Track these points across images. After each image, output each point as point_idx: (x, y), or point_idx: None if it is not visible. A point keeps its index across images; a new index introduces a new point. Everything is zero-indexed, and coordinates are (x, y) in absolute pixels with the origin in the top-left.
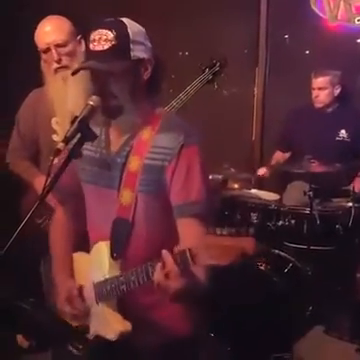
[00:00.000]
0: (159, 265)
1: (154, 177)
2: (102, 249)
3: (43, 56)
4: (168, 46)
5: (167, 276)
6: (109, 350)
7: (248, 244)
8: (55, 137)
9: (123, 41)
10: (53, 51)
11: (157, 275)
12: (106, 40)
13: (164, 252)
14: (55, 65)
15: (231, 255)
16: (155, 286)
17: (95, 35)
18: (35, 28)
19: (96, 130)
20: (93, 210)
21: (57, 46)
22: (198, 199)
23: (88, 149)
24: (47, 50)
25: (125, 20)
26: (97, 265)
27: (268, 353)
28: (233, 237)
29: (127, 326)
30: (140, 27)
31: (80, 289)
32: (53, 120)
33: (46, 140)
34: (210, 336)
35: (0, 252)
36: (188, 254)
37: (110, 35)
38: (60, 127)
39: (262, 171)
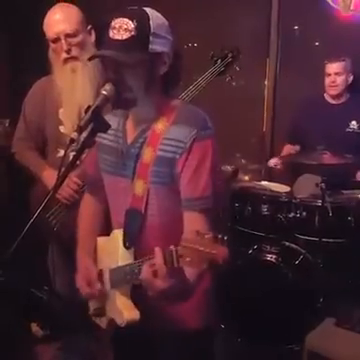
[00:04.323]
0: (148, 262)
1: (165, 169)
2: (117, 237)
3: (52, 45)
4: (177, 37)
5: (155, 274)
6: (124, 336)
7: (219, 253)
8: (62, 128)
9: (143, 33)
10: (63, 41)
11: (145, 272)
12: (126, 30)
13: (157, 249)
14: (64, 55)
15: (201, 261)
16: (142, 283)
17: (116, 23)
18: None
19: (115, 121)
20: (111, 199)
21: (67, 36)
22: (204, 194)
23: (108, 139)
24: (56, 40)
25: (149, 11)
26: (112, 252)
27: (279, 344)
28: (209, 242)
29: (135, 315)
30: (163, 19)
31: (100, 272)
32: (60, 111)
33: (53, 131)
34: (221, 327)
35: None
36: (174, 254)
37: (131, 25)
38: (67, 118)
39: (273, 161)
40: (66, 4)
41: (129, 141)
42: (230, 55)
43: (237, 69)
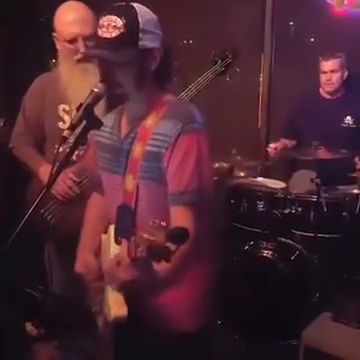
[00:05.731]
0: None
1: (154, 164)
2: (111, 233)
3: (66, 45)
4: (172, 34)
5: (118, 264)
6: (119, 335)
7: (158, 239)
8: (61, 125)
9: (132, 30)
10: (80, 42)
11: (109, 262)
12: (115, 27)
13: (124, 241)
14: (79, 56)
15: (144, 248)
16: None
17: (104, 21)
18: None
19: (111, 118)
20: (108, 196)
21: (85, 38)
22: (189, 189)
23: (104, 137)
24: (73, 40)
25: (136, 6)
26: (107, 248)
27: (275, 340)
28: (152, 229)
29: (122, 311)
30: (151, 14)
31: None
32: (60, 107)
33: (52, 127)
34: (218, 324)
35: (5, 246)
36: (133, 244)
37: (119, 22)
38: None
39: (273, 145)
40: (77, 3)
41: (122, 137)
42: (230, 56)
43: (237, 71)
